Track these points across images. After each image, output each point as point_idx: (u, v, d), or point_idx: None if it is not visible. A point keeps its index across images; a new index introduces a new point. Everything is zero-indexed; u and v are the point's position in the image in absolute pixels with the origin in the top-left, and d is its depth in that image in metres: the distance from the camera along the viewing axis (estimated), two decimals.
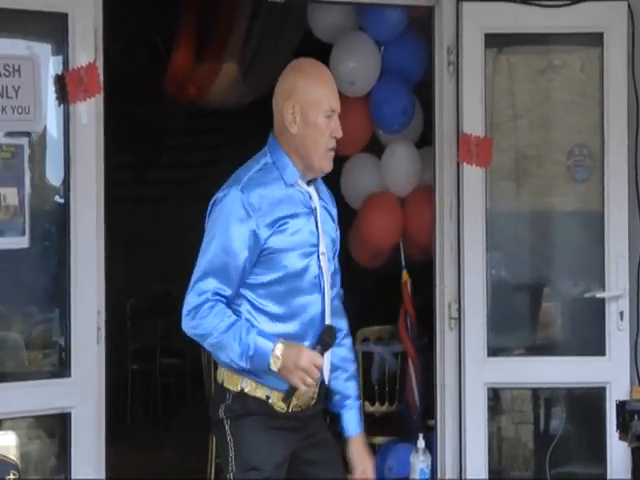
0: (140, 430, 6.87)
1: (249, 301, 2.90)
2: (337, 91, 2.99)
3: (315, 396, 3.01)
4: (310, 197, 2.96)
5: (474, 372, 4.31)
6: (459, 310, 4.36)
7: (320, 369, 2.83)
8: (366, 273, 5.07)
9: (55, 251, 4.00)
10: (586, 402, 4.65)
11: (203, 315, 2.80)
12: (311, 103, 2.85)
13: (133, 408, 7.24)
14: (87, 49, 3.84)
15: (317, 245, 2.93)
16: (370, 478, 3.15)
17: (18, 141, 3.84)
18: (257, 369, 2.84)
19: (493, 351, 4.36)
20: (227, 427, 2.94)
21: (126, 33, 5.73)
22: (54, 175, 4.02)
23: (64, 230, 3.88)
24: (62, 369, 3.90)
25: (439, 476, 4.47)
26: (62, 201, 3.96)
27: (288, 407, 2.92)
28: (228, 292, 2.82)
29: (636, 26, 4.26)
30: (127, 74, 5.92)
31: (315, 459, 3.07)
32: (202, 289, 2.80)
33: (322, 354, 2.86)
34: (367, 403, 5.18)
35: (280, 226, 2.85)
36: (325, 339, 2.91)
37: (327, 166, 2.92)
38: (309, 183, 2.97)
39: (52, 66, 3.94)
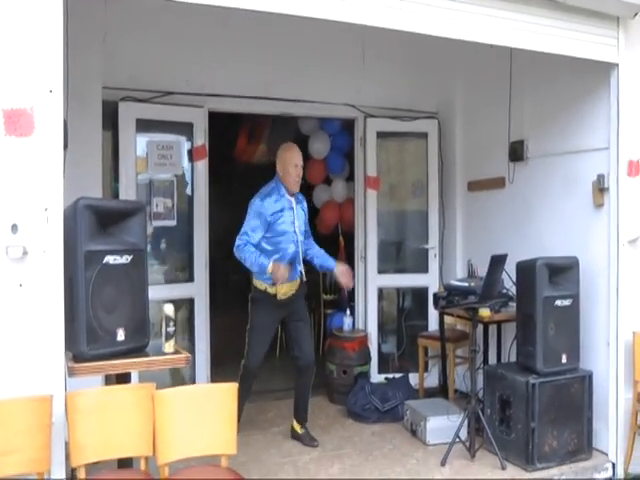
0: None
1: (261, 244, 4.19)
2: (300, 155, 4.21)
3: (294, 288, 4.21)
4: (290, 202, 4.21)
5: (372, 281, 6.03)
6: (365, 252, 6.01)
7: (285, 278, 3.91)
8: (323, 237, 6.05)
9: (187, 227, 5.40)
10: (419, 294, 6.25)
11: (242, 249, 4.03)
12: (287, 161, 4.23)
13: None
14: (202, 137, 5.28)
15: (293, 222, 4.16)
16: (349, 272, 4.16)
17: (171, 178, 5.26)
18: (261, 274, 4.05)
19: (380, 271, 6.04)
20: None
21: (218, 129, 5.81)
22: (186, 193, 5.38)
23: (190, 218, 5.38)
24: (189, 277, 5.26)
25: (355, 327, 6.02)
26: (190, 205, 5.37)
27: (277, 294, 4.08)
28: (253, 241, 4.14)
29: (442, 130, 6.12)
30: (218, 148, 6.05)
31: (295, 324, 4.30)
32: (243, 237, 4.07)
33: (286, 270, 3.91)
34: (324, 295, 7.22)
35: (275, 214, 4.15)
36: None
37: (295, 188, 4.17)
38: (292, 195, 4.22)
39: (186, 145, 5.38)
